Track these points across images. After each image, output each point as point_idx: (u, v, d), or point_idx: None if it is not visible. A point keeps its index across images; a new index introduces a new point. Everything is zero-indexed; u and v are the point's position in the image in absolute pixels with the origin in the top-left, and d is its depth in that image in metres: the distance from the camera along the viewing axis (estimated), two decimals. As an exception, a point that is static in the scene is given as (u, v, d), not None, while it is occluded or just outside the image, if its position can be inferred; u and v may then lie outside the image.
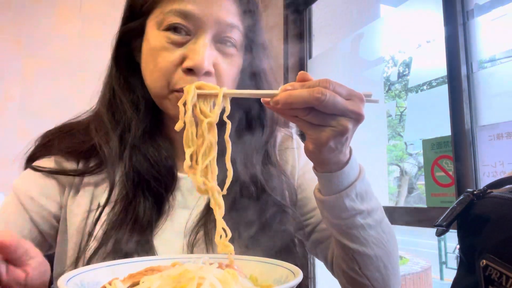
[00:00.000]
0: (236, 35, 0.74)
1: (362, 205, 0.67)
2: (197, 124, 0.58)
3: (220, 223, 0.57)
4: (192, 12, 0.69)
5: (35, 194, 0.75)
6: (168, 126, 0.80)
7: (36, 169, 0.77)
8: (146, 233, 0.70)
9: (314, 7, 2.21)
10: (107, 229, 0.69)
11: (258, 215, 0.74)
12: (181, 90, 0.69)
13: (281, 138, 0.91)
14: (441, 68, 1.38)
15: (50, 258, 0.79)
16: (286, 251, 0.74)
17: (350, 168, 0.65)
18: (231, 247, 0.56)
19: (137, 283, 0.47)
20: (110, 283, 0.48)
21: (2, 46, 2.21)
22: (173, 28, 0.71)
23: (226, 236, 0.56)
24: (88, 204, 0.75)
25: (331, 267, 0.81)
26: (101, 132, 0.76)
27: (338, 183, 0.64)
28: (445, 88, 1.34)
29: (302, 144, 0.77)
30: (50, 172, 0.76)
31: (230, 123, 0.58)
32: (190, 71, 0.69)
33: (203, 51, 0.69)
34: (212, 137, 0.58)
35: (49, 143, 0.80)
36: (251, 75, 0.79)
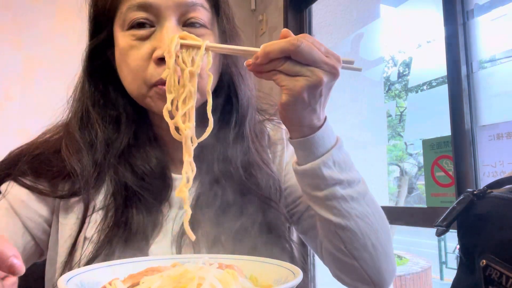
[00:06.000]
0: (203, 14, 0.70)
1: (341, 174, 0.65)
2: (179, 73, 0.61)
3: (185, 168, 0.58)
4: (148, 1, 0.67)
5: (27, 197, 0.71)
6: (159, 127, 0.77)
7: (19, 182, 0.72)
8: (142, 246, 0.68)
9: (314, 7, 2.21)
10: (101, 239, 0.67)
11: (241, 212, 0.72)
12: (158, 84, 0.67)
13: (271, 131, 0.88)
14: (441, 68, 1.38)
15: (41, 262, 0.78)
16: (277, 251, 0.71)
17: (325, 134, 0.64)
18: (187, 193, 0.57)
19: (137, 284, 0.47)
20: (110, 283, 0.48)
21: (2, 46, 2.21)
22: (137, 25, 0.68)
23: (188, 182, 0.58)
24: (82, 208, 0.71)
25: (321, 254, 0.78)
26: (76, 155, 0.71)
27: (313, 149, 0.64)
28: (445, 88, 1.34)
29: None
30: (30, 189, 0.71)
31: (212, 75, 0.62)
32: (161, 60, 0.66)
33: (170, 36, 0.65)
34: (192, 86, 0.60)
35: (12, 169, 0.73)
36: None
